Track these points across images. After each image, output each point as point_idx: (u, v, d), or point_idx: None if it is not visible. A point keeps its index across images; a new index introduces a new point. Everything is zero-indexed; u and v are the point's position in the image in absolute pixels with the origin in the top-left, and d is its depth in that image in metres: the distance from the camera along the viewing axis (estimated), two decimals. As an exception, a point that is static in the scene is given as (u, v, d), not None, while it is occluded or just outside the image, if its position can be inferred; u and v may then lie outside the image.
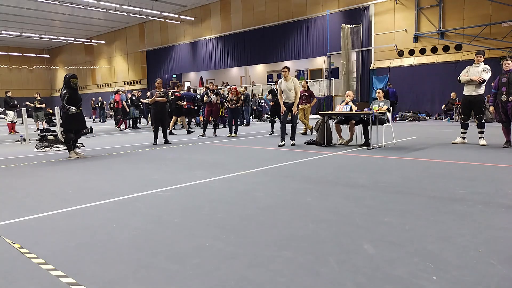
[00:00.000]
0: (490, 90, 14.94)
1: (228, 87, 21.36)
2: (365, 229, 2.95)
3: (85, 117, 7.96)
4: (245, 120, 16.91)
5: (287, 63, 24.11)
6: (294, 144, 8.63)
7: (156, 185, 4.74)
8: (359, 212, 3.41)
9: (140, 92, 18.80)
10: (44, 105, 16.80)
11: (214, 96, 11.64)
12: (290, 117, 8.71)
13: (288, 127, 8.85)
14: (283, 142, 8.60)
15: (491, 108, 7.57)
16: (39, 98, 16.65)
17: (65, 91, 7.39)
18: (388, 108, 8.08)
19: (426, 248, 2.55)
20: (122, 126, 16.74)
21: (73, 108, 7.42)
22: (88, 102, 28.40)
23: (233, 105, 11.46)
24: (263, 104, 21.14)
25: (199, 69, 29.17)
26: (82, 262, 2.49)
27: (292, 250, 2.58)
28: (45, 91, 43.12)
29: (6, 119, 16.34)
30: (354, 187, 4.40)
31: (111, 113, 21.05)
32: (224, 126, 12.03)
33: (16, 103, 16.25)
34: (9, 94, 16.38)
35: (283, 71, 8.52)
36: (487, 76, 7.47)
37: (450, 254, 2.43)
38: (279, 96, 8.76)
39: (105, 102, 25.67)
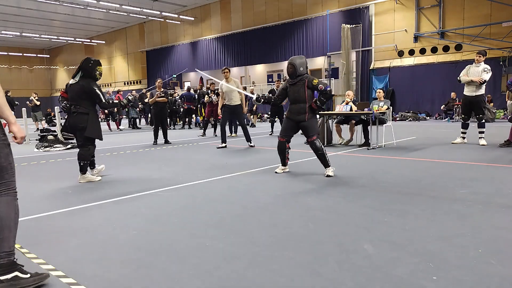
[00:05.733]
0: (490, 90, 15.09)
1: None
2: (365, 229, 2.95)
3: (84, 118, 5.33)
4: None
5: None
6: (253, 146, 8.53)
7: (156, 185, 4.74)
8: (359, 212, 3.41)
9: (134, 92, 18.84)
10: (39, 103, 16.84)
11: (215, 96, 11.63)
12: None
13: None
14: (252, 143, 8.57)
15: None
16: (36, 98, 16.69)
17: (92, 83, 5.08)
18: (388, 108, 8.08)
19: (426, 248, 2.54)
20: (122, 126, 16.74)
21: (130, 96, 6.08)
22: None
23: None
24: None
25: (199, 69, 29.15)
26: (82, 262, 2.49)
27: (292, 250, 2.58)
28: (45, 91, 43.07)
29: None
30: (354, 187, 4.39)
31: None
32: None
33: (15, 102, 16.29)
34: (9, 94, 16.44)
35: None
36: (487, 76, 7.46)
37: (450, 254, 2.43)
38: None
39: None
